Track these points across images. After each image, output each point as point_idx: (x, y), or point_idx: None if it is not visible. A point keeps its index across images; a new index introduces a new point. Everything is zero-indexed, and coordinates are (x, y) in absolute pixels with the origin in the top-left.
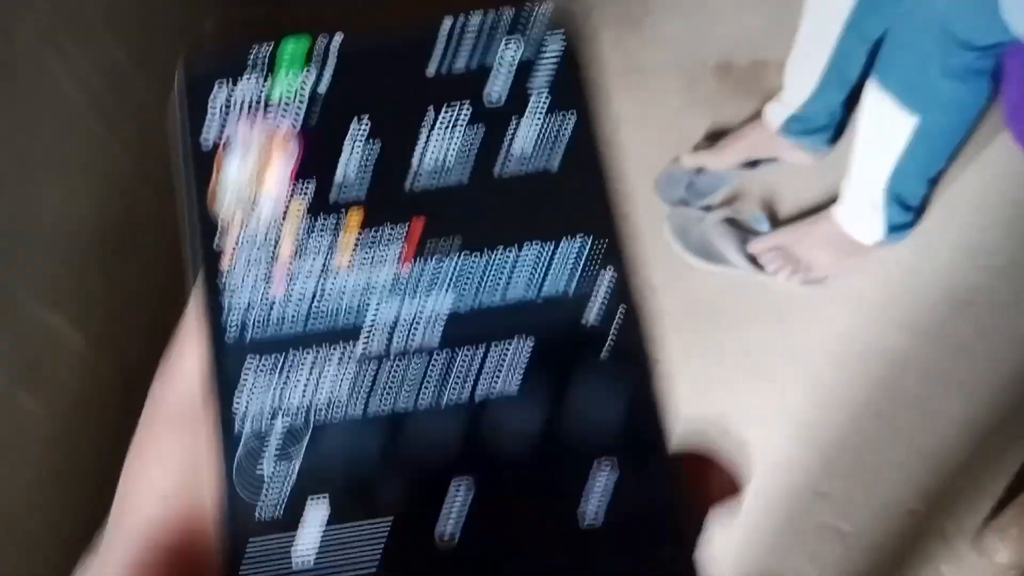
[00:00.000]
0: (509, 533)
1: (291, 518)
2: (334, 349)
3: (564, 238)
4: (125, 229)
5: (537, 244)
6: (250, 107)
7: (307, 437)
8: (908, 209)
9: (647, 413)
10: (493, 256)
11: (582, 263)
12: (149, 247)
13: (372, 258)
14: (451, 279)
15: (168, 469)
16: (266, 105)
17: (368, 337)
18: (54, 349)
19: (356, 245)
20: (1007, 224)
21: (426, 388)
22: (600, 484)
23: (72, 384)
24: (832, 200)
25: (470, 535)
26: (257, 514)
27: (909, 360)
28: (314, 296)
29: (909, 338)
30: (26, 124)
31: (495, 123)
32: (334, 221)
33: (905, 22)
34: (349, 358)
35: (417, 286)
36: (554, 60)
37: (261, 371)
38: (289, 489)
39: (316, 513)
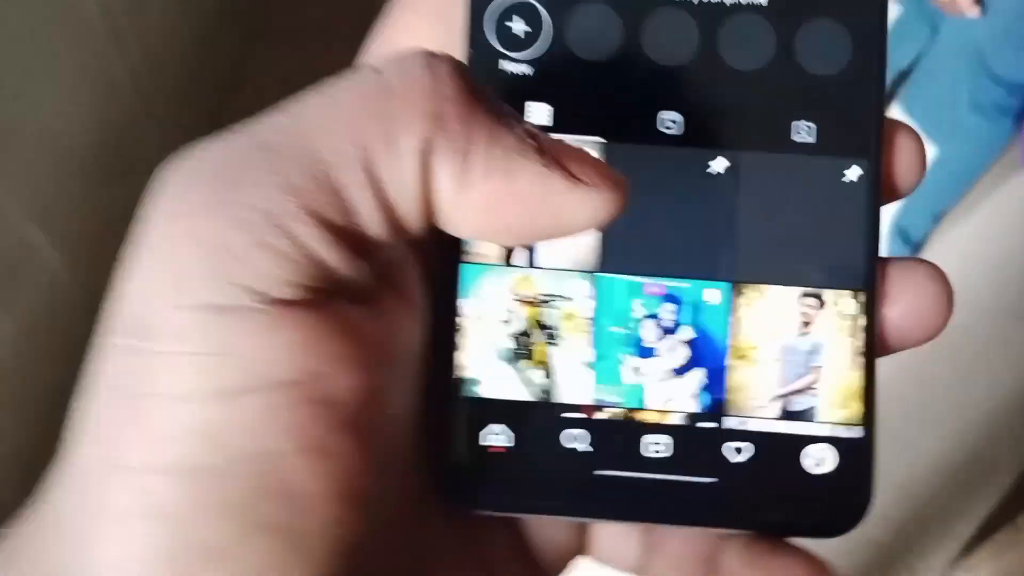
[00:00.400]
0: None
1: None
2: None
3: None
4: (119, 156)
5: None
6: None
7: None
8: (909, 244)
9: None
10: None
11: None
12: (141, 177)
13: None
14: None
15: None
16: None
17: None
18: (30, 265)
19: None
20: (995, 268)
21: None
22: None
23: (41, 304)
24: None
25: None
26: None
27: (886, 394)
28: None
29: (888, 372)
30: (32, 29)
31: None
32: None
33: (940, 50)
34: None
35: None
36: None
37: None
38: None
39: None
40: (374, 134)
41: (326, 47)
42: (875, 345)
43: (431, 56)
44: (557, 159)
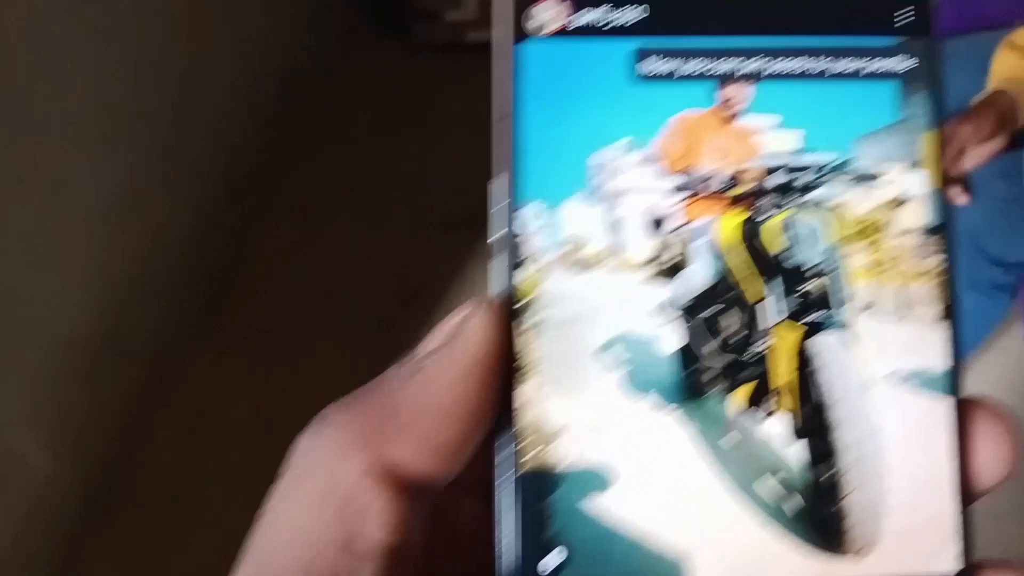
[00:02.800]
0: None
1: None
2: None
3: None
4: (116, 345)
5: None
6: None
7: None
8: None
9: None
10: None
11: None
12: (138, 366)
13: None
14: None
15: None
16: None
17: None
18: (18, 473)
19: None
20: None
21: None
22: None
23: (29, 508)
24: None
25: None
26: None
27: None
28: None
29: None
30: (40, 231)
31: None
32: None
33: None
34: None
35: None
36: None
37: None
38: None
39: None
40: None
41: (326, 223)
42: None
43: None
44: None
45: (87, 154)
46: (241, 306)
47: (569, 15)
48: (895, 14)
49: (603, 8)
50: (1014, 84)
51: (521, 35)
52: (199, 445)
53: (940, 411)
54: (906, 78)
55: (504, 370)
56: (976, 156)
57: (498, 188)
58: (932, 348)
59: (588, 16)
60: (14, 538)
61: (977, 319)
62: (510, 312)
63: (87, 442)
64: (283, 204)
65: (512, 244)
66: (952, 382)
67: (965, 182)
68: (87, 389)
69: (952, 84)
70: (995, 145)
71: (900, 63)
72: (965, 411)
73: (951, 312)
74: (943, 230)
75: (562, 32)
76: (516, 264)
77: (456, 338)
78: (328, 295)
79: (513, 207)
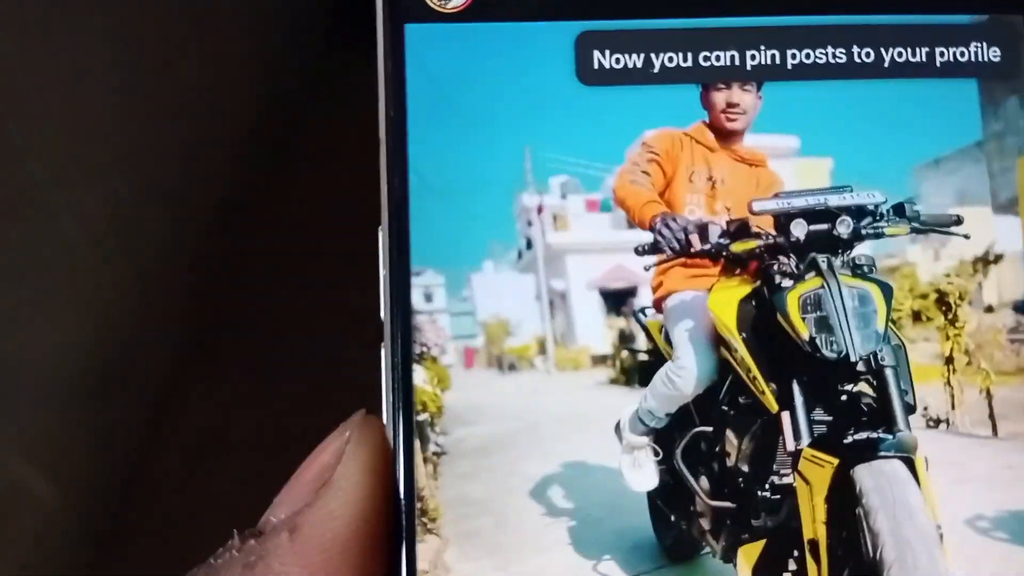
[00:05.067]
0: None
1: None
2: None
3: None
4: (111, 377)
5: None
6: None
7: None
8: None
9: None
10: None
11: None
12: (133, 397)
13: None
14: None
15: None
16: None
17: None
18: (22, 505)
19: None
20: None
21: None
22: None
23: (34, 540)
24: None
25: None
26: None
27: None
28: None
29: None
30: (25, 265)
31: None
32: None
33: None
34: None
35: None
36: None
37: None
38: None
39: None
40: None
41: (317, 242)
42: None
43: None
44: None
45: (64, 188)
46: (236, 330)
47: None
48: None
49: None
50: None
51: (412, 12)
52: (201, 470)
53: None
54: (992, 75)
55: (394, 528)
56: None
57: (385, 243)
58: None
59: None
60: (20, 569)
61: None
62: (405, 434)
63: (88, 472)
64: (272, 225)
65: (405, 330)
66: None
67: None
68: (85, 419)
69: None
70: None
71: (982, 52)
72: None
73: None
74: None
75: (470, 10)
76: (411, 360)
77: (327, 491)
78: (322, 315)
79: (404, 273)
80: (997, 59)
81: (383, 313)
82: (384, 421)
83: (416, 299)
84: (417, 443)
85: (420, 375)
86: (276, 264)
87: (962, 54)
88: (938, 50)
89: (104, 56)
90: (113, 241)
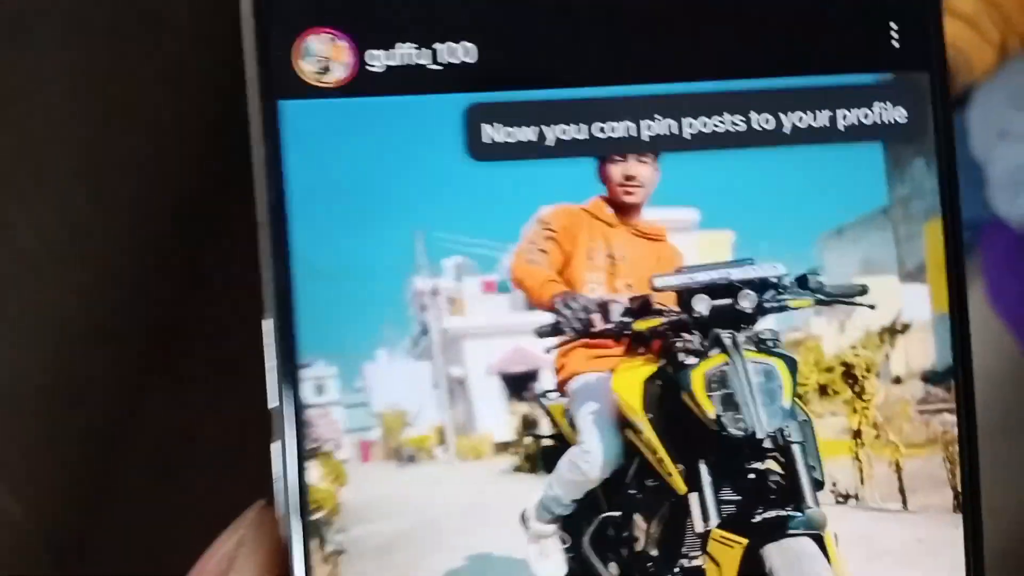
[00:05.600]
0: None
1: None
2: None
3: None
4: (71, 386)
5: None
6: None
7: None
8: None
9: None
10: None
11: None
12: (94, 407)
13: None
14: None
15: None
16: None
17: None
18: None
19: None
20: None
21: None
22: None
23: (3, 554)
24: None
25: None
26: None
27: None
28: None
29: None
30: None
31: None
32: None
33: None
34: None
35: None
36: None
37: None
38: None
39: None
40: None
41: None
42: None
43: None
44: None
45: (18, 202)
46: (197, 335)
47: (356, 58)
48: (876, 36)
49: (407, 47)
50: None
51: (287, 88)
52: (168, 477)
53: None
54: (898, 137)
55: None
56: None
57: (270, 332)
58: (944, 556)
59: (387, 59)
60: None
61: None
62: (302, 534)
63: (54, 484)
64: (233, 226)
65: (297, 424)
66: None
67: None
68: (49, 432)
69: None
70: None
71: (887, 113)
72: None
73: (972, 501)
74: (960, 373)
75: (350, 85)
76: (304, 456)
77: None
78: None
79: (293, 365)
80: (903, 120)
81: (271, 406)
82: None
83: (306, 392)
84: (315, 543)
85: (314, 472)
86: (237, 267)
87: (866, 116)
88: (840, 113)
89: (55, 61)
90: (71, 251)
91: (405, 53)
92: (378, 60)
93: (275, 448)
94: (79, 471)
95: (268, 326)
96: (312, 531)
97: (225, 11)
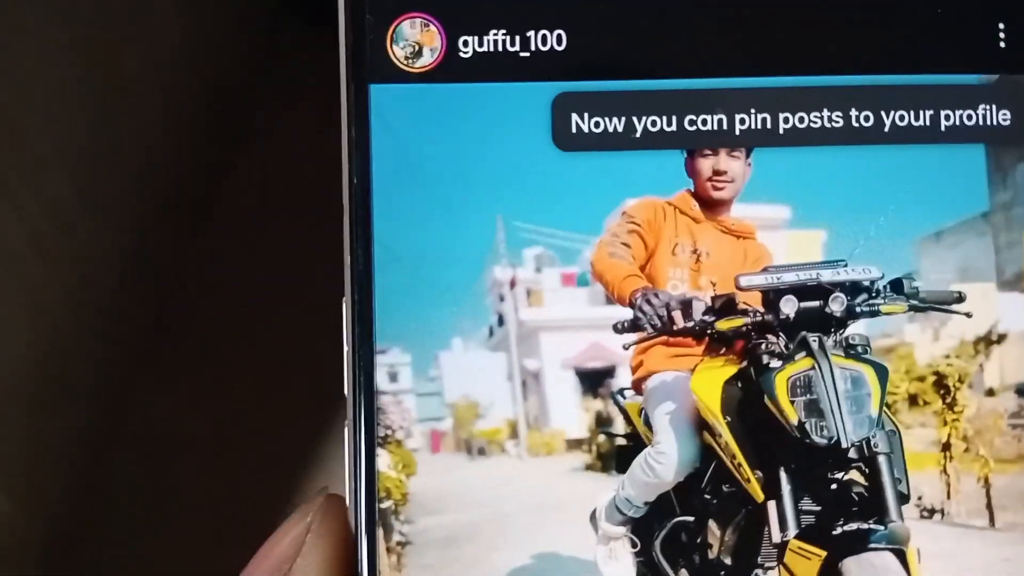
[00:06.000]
0: None
1: None
2: None
3: None
4: (61, 382)
5: None
6: None
7: None
8: None
9: None
10: None
11: None
12: (84, 401)
13: None
14: None
15: None
16: None
17: None
18: None
19: None
20: None
21: None
22: None
23: None
24: None
25: None
26: None
27: None
28: None
29: None
30: None
31: None
32: None
33: None
34: None
35: None
36: None
37: None
38: None
39: None
40: None
41: (267, 233)
42: None
43: None
44: None
45: (5, 197)
46: (186, 326)
47: (446, 43)
48: (982, 36)
49: (498, 33)
50: None
51: (378, 72)
52: (158, 471)
53: None
54: (1001, 140)
55: None
56: None
57: (349, 318)
58: None
59: (476, 46)
60: None
61: None
62: (368, 523)
63: (45, 482)
64: (221, 218)
65: (369, 411)
66: None
67: None
68: (39, 429)
69: None
70: None
71: (991, 115)
72: None
73: None
74: None
75: (439, 70)
76: (375, 443)
77: None
78: (276, 306)
79: (369, 351)
80: (1007, 122)
81: (347, 392)
82: (347, 505)
83: (380, 379)
84: (381, 532)
85: (384, 460)
86: (226, 261)
87: (969, 117)
88: (943, 113)
89: (38, 55)
90: (58, 247)
91: (495, 39)
92: (468, 46)
93: (347, 434)
94: (70, 468)
95: (346, 310)
96: (379, 520)
97: (213, 3)
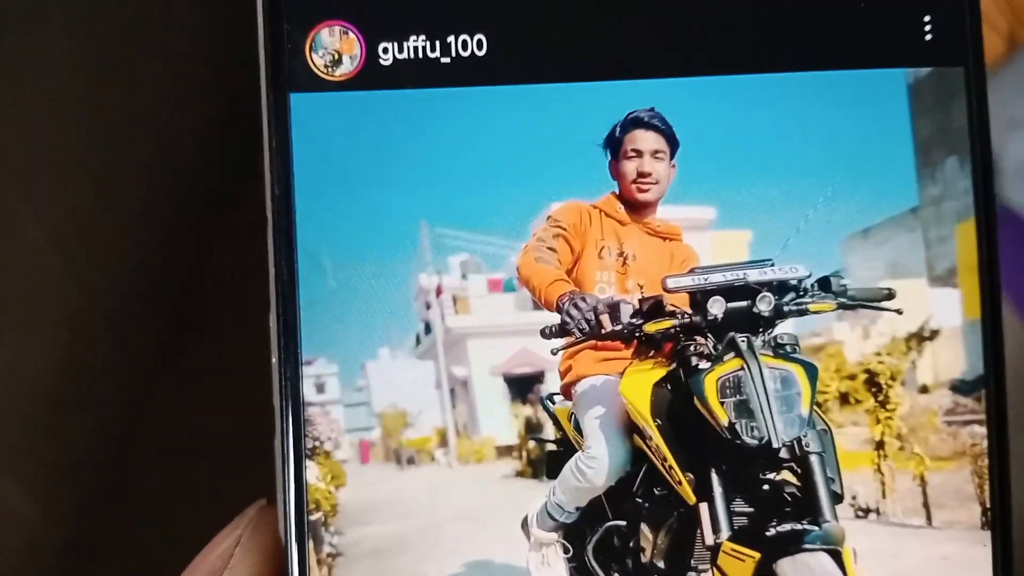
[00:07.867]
0: None
1: None
2: None
3: None
4: (83, 384)
5: None
6: None
7: None
8: None
9: None
10: None
11: None
12: (106, 405)
13: None
14: None
15: None
16: None
17: None
18: (4, 521)
19: None
20: None
21: None
22: None
23: (15, 555)
24: None
25: None
26: None
27: None
28: None
29: None
30: None
31: None
32: None
33: None
34: None
35: None
36: None
37: None
38: None
39: None
40: None
41: None
42: None
43: None
44: None
45: (28, 199)
46: (206, 328)
47: (365, 52)
48: (910, 28)
49: (418, 39)
50: None
51: (298, 81)
52: (179, 471)
53: None
54: (928, 135)
55: None
56: None
57: (274, 329)
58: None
59: (397, 53)
60: None
61: None
62: (297, 534)
63: (66, 483)
64: (242, 222)
65: (297, 423)
66: None
67: None
68: (61, 431)
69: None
70: None
71: (917, 110)
72: None
73: (1003, 518)
74: (992, 382)
75: (359, 78)
76: (303, 454)
77: None
78: None
79: (295, 362)
80: (938, 116)
81: (274, 404)
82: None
83: (307, 390)
84: (311, 544)
85: (313, 471)
86: (244, 266)
87: (897, 110)
88: (870, 107)
89: (63, 63)
90: (80, 250)
91: (415, 46)
92: (388, 53)
93: (276, 446)
94: (91, 470)
95: (272, 322)
96: (309, 532)
97: (232, 7)
